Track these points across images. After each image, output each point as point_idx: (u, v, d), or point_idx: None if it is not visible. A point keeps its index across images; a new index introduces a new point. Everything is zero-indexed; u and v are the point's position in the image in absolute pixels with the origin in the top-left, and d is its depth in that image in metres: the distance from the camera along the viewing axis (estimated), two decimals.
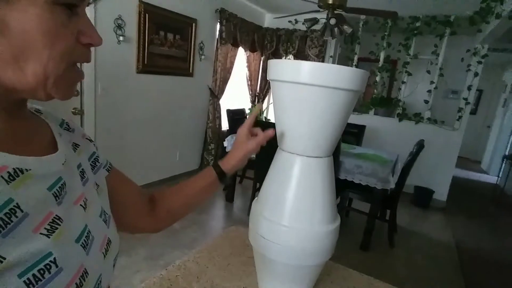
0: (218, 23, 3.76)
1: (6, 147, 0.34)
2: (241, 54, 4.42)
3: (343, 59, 4.60)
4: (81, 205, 0.41)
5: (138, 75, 2.90)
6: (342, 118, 0.64)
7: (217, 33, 3.79)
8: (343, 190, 2.81)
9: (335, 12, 2.88)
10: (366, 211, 2.67)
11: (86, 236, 0.39)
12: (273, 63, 0.66)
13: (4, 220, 0.30)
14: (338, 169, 2.59)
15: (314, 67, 0.60)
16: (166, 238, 2.38)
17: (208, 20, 3.62)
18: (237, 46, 4.13)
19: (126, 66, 2.79)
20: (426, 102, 3.98)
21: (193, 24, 3.40)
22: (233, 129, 3.47)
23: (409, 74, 4.02)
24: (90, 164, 0.49)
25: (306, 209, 0.66)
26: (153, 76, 3.07)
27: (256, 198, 0.78)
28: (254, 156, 2.82)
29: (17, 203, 0.32)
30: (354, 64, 4.26)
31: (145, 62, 2.93)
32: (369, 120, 4.18)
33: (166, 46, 3.14)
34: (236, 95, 4.60)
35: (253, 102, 4.84)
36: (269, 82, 4.46)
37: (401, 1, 3.40)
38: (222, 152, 3.99)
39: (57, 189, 0.37)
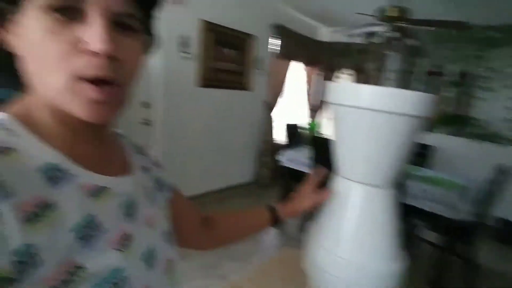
0: (275, 38, 3.83)
1: (93, 167, 0.37)
2: (296, 68, 4.43)
3: (407, 73, 4.32)
4: (148, 224, 0.43)
5: (200, 89, 3.08)
6: (407, 145, 0.60)
7: (273, 47, 3.87)
8: (410, 217, 2.58)
9: (397, 24, 2.73)
10: (433, 241, 2.39)
11: (151, 255, 0.41)
12: (331, 85, 0.65)
13: (84, 233, 0.33)
14: (404, 193, 2.40)
15: (376, 91, 0.57)
16: (221, 249, 2.42)
17: (265, 35, 3.72)
18: (292, 60, 4.15)
19: (189, 80, 2.99)
20: (508, 120, 3.51)
21: (250, 40, 3.52)
22: (290, 143, 3.45)
23: (485, 89, 3.60)
24: (157, 187, 0.52)
25: (367, 243, 0.62)
26: (212, 90, 3.23)
27: (312, 222, 0.76)
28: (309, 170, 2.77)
29: (96, 219, 0.35)
30: (419, 78, 3.97)
31: (206, 77, 3.10)
32: (437, 139, 3.82)
33: (225, 61, 3.30)
34: (291, 109, 4.60)
35: (311, 116, 4.78)
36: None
37: (473, 10, 3.10)
38: (275, 165, 3.99)
39: (128, 208, 0.40)
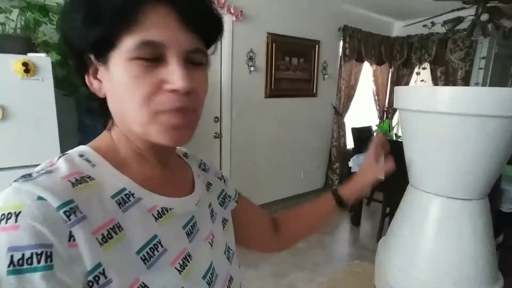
0: (341, 41, 3.70)
1: (158, 189, 0.41)
2: (367, 69, 4.18)
3: (503, 59, 3.69)
4: (209, 242, 0.45)
5: (266, 100, 3.16)
6: (501, 151, 0.51)
7: (341, 50, 3.73)
8: (510, 227, 2.18)
9: (488, 5, 2.36)
10: None
11: (211, 273, 0.43)
12: (400, 90, 0.60)
13: (149, 253, 0.36)
14: (499, 199, 2.04)
15: (455, 92, 0.50)
16: (291, 257, 2.42)
17: (331, 39, 3.62)
18: (362, 61, 3.93)
19: (256, 92, 3.09)
20: None
21: (316, 46, 3.47)
22: (359, 148, 3.27)
23: None
24: (219, 202, 0.53)
25: (449, 265, 0.55)
26: (279, 100, 3.27)
27: (383, 238, 0.70)
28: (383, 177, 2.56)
29: (159, 239, 0.38)
30: None
31: (272, 87, 3.16)
32: None
33: (291, 70, 3.31)
34: (362, 112, 4.35)
35: (381, 118, 4.46)
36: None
37: None
38: (347, 172, 3.82)
39: (189, 228, 0.42)
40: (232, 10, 2.63)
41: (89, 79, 0.39)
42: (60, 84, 1.51)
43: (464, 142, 0.51)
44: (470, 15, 2.49)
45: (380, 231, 2.71)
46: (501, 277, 0.56)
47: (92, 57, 0.37)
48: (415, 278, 0.57)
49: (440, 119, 0.52)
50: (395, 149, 2.30)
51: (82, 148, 0.40)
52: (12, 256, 0.27)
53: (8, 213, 0.29)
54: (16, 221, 0.29)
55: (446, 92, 0.51)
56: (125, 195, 0.37)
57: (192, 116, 0.39)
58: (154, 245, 0.37)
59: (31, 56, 1.36)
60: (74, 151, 0.39)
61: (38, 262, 0.28)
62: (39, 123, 1.40)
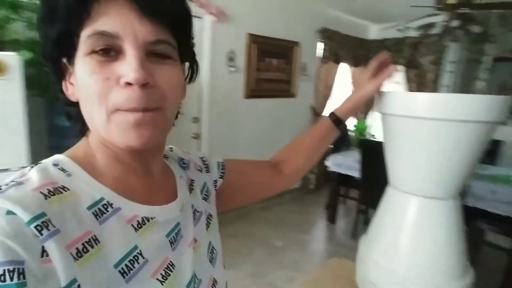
0: (320, 43, 3.77)
1: (138, 198, 0.39)
2: (344, 70, 4.29)
3: (469, 63, 3.91)
4: (193, 247, 0.44)
5: (246, 100, 3.16)
6: (474, 154, 0.54)
7: (319, 52, 3.80)
8: (475, 221, 2.32)
9: (458, 12, 2.49)
10: (504, 246, 2.12)
11: (193, 281, 0.42)
12: (382, 95, 0.62)
13: (128, 266, 0.34)
14: (464, 194, 2.17)
15: (432, 98, 0.53)
16: (269, 256, 2.44)
17: (310, 41, 3.68)
18: (339, 63, 4.03)
19: (236, 92, 3.08)
20: None
21: (296, 47, 3.51)
22: (336, 147, 3.35)
23: None
24: (203, 197, 0.52)
25: (426, 260, 0.58)
26: (259, 100, 3.28)
27: (364, 235, 0.73)
28: (360, 176, 2.65)
29: (140, 250, 0.36)
30: (486, 67, 3.57)
31: (252, 88, 3.17)
32: (508, 133, 3.37)
33: (271, 71, 3.33)
34: None
35: (356, 118, 4.59)
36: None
37: None
38: (324, 171, 3.90)
39: (173, 235, 0.41)
40: (213, 11, 2.60)
41: (65, 85, 0.38)
42: (30, 84, 1.43)
43: (439, 146, 0.54)
44: (443, 21, 2.62)
45: (355, 228, 2.80)
46: (471, 269, 0.60)
47: (65, 60, 0.36)
48: (395, 273, 0.59)
49: (417, 123, 0.55)
50: (370, 148, 2.40)
51: (57, 156, 0.38)
52: None
53: None
54: None
55: (423, 98, 0.54)
56: (103, 205, 0.35)
57: (155, 114, 0.35)
58: (134, 256, 0.35)
59: (1, 55, 1.28)
60: (49, 160, 0.37)
61: (11, 279, 0.27)
62: (6, 125, 1.32)
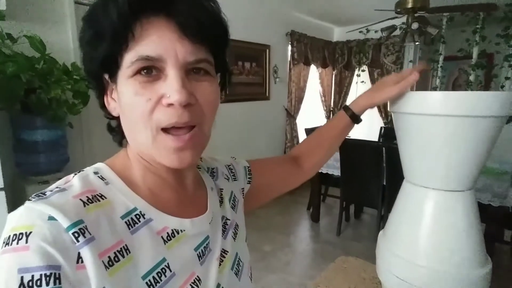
0: (290, 45, 3.85)
1: (170, 210, 0.39)
2: (314, 72, 4.42)
3: (425, 62, 4.22)
4: (220, 260, 0.43)
5: (222, 105, 3.12)
6: (490, 146, 0.58)
7: (289, 54, 3.88)
8: (489, 218, 2.49)
9: (416, 15, 2.68)
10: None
11: None
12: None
13: (155, 279, 0.34)
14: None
15: (445, 96, 0.56)
16: (259, 262, 2.43)
17: (280, 44, 3.75)
18: (309, 65, 4.15)
19: None
20: None
21: (267, 50, 3.55)
22: None
23: None
24: (231, 206, 0.52)
25: (448, 250, 0.61)
26: (234, 104, 3.27)
27: (382, 231, 0.75)
28: (339, 173, 2.73)
29: (167, 263, 0.36)
30: (439, 65, 3.87)
31: (227, 92, 3.14)
32: None
33: (244, 74, 3.34)
34: (312, 113, 4.58)
35: (328, 117, 4.75)
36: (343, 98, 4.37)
37: None
38: None
39: (202, 249, 0.41)
40: None
41: (107, 99, 0.39)
42: None
43: (456, 140, 0.57)
44: (401, 24, 2.80)
45: (339, 225, 2.88)
46: (489, 259, 0.64)
47: (107, 77, 0.37)
48: (418, 266, 0.61)
49: (434, 120, 0.58)
50: (349, 147, 2.45)
51: (98, 165, 0.40)
52: (22, 278, 0.27)
53: (20, 233, 0.29)
54: (26, 241, 0.29)
55: (438, 96, 0.57)
56: (135, 215, 0.36)
57: (195, 133, 0.37)
58: (162, 269, 0.35)
59: None
60: (90, 168, 0.39)
61: (47, 284, 0.28)
62: None
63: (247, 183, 0.59)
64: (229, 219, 0.49)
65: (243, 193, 0.57)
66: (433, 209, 0.62)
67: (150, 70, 0.34)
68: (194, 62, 0.36)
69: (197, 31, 0.35)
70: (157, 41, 0.34)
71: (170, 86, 0.34)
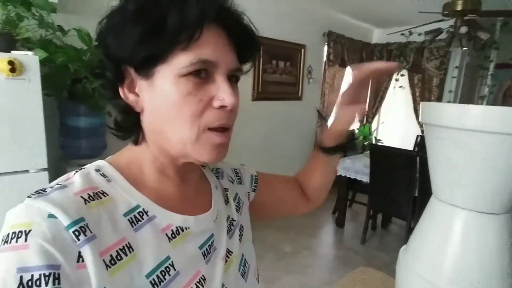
0: (326, 46, 3.78)
1: (174, 207, 0.40)
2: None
3: (473, 69, 3.93)
4: (225, 260, 0.43)
5: (254, 102, 3.15)
6: None
7: (325, 55, 3.81)
8: None
9: (466, 18, 2.51)
10: None
11: None
12: (427, 106, 0.61)
13: (159, 277, 0.34)
14: None
15: (486, 111, 0.52)
16: (278, 262, 2.43)
17: (316, 44, 3.68)
18: (345, 66, 4.04)
19: (244, 95, 3.07)
20: None
21: (302, 50, 3.51)
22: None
23: None
24: (235, 207, 0.52)
25: (473, 277, 0.57)
26: (266, 102, 3.28)
27: (405, 246, 0.72)
28: (370, 181, 2.64)
29: (172, 262, 0.36)
30: (490, 73, 3.59)
31: (259, 90, 3.16)
32: None
33: (278, 73, 3.33)
34: None
35: (361, 121, 4.60)
36: (378, 100, 4.07)
37: None
38: None
39: (207, 247, 0.41)
40: None
41: (124, 92, 0.38)
42: (44, 84, 1.41)
43: (495, 159, 0.53)
44: (450, 27, 2.63)
45: (365, 233, 2.80)
46: None
47: (131, 70, 0.36)
48: (438, 287, 0.58)
49: (471, 136, 0.54)
50: (380, 154, 2.37)
51: (99, 162, 0.39)
52: (21, 277, 0.27)
53: (19, 231, 0.29)
54: (26, 240, 0.28)
55: (477, 110, 0.53)
56: (138, 213, 0.36)
57: (229, 133, 0.40)
58: (166, 267, 0.35)
59: (17, 54, 1.26)
60: (92, 165, 0.38)
61: (46, 284, 0.27)
62: (26, 126, 1.30)
63: (252, 190, 0.59)
64: (234, 220, 0.49)
65: (248, 197, 0.58)
66: (461, 230, 0.59)
67: (200, 72, 0.36)
68: (235, 69, 0.39)
69: (241, 40, 0.40)
70: (215, 47, 0.36)
71: (223, 90, 0.36)
